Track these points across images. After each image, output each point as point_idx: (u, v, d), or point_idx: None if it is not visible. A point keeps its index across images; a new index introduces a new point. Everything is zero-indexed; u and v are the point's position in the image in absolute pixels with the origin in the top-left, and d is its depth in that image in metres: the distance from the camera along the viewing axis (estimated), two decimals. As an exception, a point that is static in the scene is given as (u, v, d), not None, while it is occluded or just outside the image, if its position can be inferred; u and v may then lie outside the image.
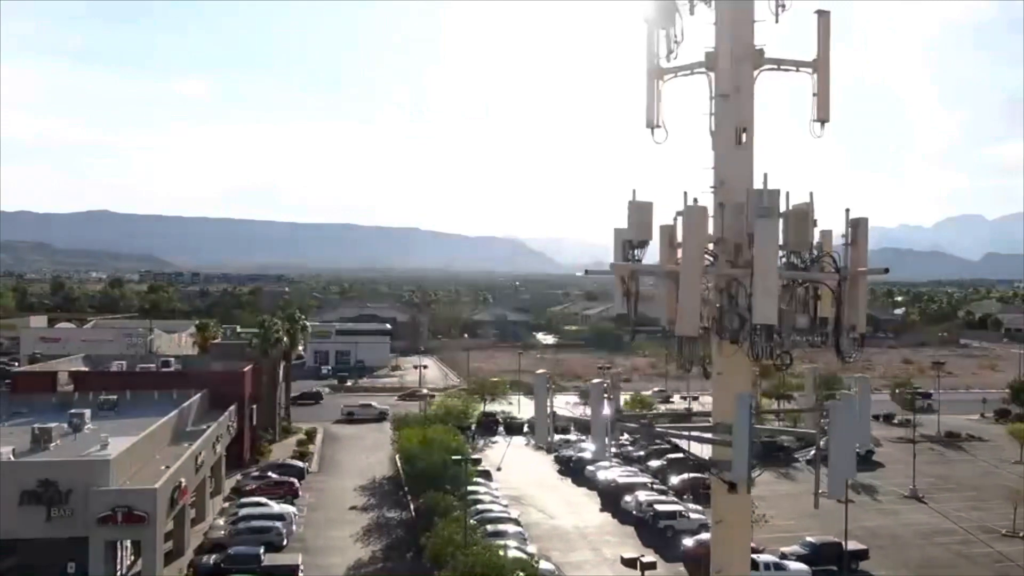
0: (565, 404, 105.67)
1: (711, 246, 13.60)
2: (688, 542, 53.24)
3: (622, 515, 61.62)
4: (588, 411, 15.03)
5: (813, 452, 11.97)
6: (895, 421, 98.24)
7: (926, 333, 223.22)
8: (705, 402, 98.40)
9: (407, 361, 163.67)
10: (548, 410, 14.96)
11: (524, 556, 43.37)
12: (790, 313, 13.30)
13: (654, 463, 75.69)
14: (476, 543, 42.05)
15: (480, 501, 57.68)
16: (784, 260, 13.33)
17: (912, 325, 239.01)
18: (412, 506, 59.90)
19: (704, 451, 14.76)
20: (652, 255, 14.38)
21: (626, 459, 78.09)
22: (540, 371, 16.67)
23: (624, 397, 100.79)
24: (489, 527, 51.32)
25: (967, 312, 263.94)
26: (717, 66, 13.82)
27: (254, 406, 76.85)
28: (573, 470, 75.06)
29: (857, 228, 13.60)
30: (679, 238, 14.62)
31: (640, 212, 14.56)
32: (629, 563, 48.49)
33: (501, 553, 40.70)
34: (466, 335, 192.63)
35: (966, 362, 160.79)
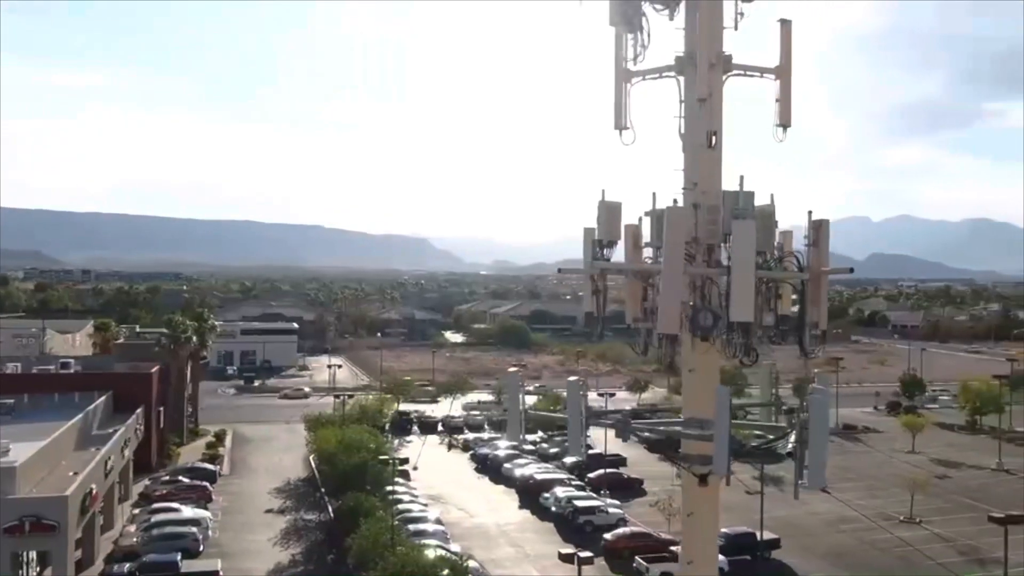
0: (479, 402, 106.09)
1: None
2: (609, 536, 54.16)
3: (541, 512, 62.14)
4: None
5: (791, 445, 12.36)
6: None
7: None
8: (622, 398, 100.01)
9: (315, 361, 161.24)
10: (520, 407, 15.07)
11: (450, 555, 43.27)
12: (757, 311, 13.77)
13: (569, 459, 76.49)
14: (403, 544, 41.77)
15: (400, 501, 57.32)
16: (750, 260, 13.72)
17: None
18: (330, 508, 59.08)
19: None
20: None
21: (542, 456, 78.70)
22: (512, 368, 16.78)
23: (537, 396, 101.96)
24: (411, 527, 51.04)
25: (857, 310, 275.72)
26: (687, 71, 14.14)
27: (161, 408, 74.42)
28: (490, 468, 75.27)
29: (819, 230, 14.17)
30: (645, 238, 14.98)
31: (609, 212, 14.82)
32: (566, 558, 48.98)
33: (429, 553, 40.54)
34: (378, 334, 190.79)
35: (858, 357, 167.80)
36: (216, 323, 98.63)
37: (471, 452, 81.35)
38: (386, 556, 39.02)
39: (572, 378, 14.73)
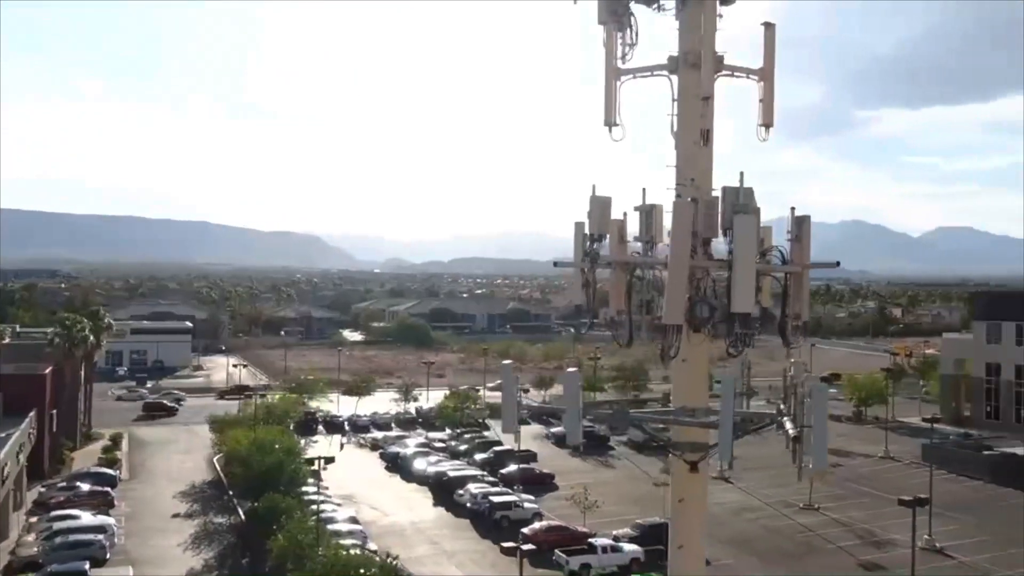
0: (389, 401, 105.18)
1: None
2: (526, 531, 54.56)
3: (456, 508, 62.19)
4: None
5: (792, 431, 12.89)
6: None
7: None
8: (553, 394, 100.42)
9: (209, 361, 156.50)
10: (515, 399, 15.16)
11: (375, 554, 42.85)
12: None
13: (480, 456, 76.87)
14: (328, 544, 41.12)
15: (314, 502, 56.29)
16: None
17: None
18: (241, 510, 57.62)
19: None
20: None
21: (452, 454, 78.71)
22: (506, 361, 16.83)
23: (443, 392, 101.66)
24: (329, 527, 50.24)
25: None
26: (681, 70, 14.50)
27: (54, 411, 70.87)
28: (400, 467, 74.75)
29: (801, 225, 14.77)
30: (631, 233, 15.30)
31: (600, 206, 15.08)
32: (509, 552, 49.59)
33: (355, 552, 40.05)
34: (283, 332, 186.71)
35: (752, 352, 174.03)
36: (112, 322, 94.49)
37: (380, 451, 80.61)
38: (313, 557, 38.32)
39: (570, 369, 14.90)
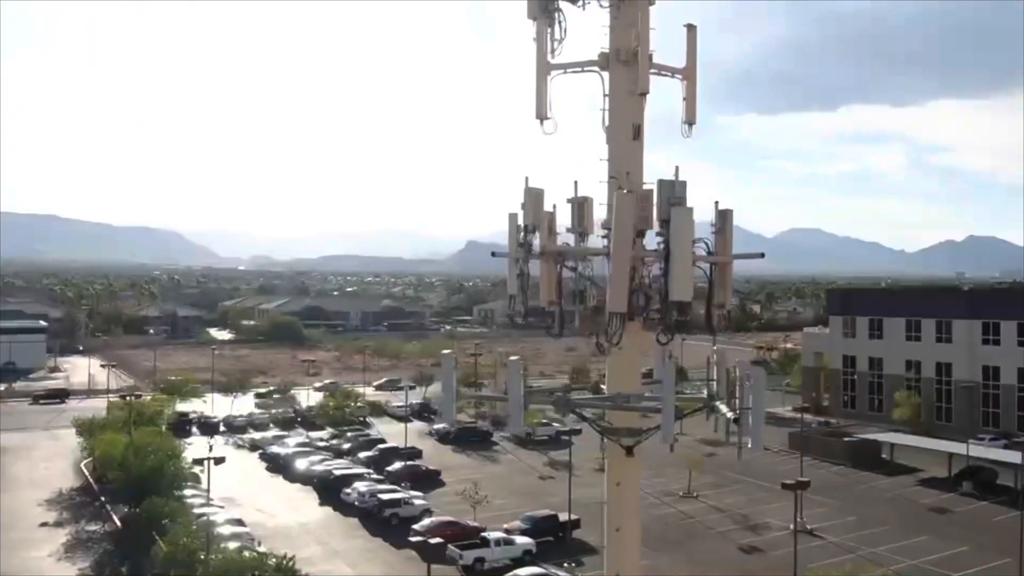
0: (255, 403, 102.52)
1: (604, 231, 14.85)
2: (417, 527, 54.46)
3: (344, 507, 61.42)
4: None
5: (730, 413, 13.56)
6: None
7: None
8: (434, 390, 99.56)
9: (67, 362, 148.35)
10: (454, 389, 15.29)
11: (266, 556, 41.86)
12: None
13: (365, 454, 76.12)
14: (218, 548, 39.91)
15: (197, 505, 54.42)
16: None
17: (571, 317, 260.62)
18: (116, 516, 55.10)
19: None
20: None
21: (336, 452, 77.56)
22: (446, 351, 16.94)
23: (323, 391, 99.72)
24: (215, 530, 48.70)
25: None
26: (612, 66, 14.99)
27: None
28: (283, 467, 73.13)
29: (724, 218, 15.54)
30: (562, 224, 15.70)
31: (534, 198, 15.43)
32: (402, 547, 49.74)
33: (247, 555, 39.05)
34: (150, 331, 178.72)
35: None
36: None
37: (259, 451, 78.60)
38: (202, 560, 37.11)
39: (513, 358, 15.15)
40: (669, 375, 13.41)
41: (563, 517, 56.46)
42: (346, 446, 79.38)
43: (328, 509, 61.99)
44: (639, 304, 14.22)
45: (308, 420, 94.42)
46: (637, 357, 15.02)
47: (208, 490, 44.71)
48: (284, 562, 38.63)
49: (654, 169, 15.01)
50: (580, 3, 15.44)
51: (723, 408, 13.82)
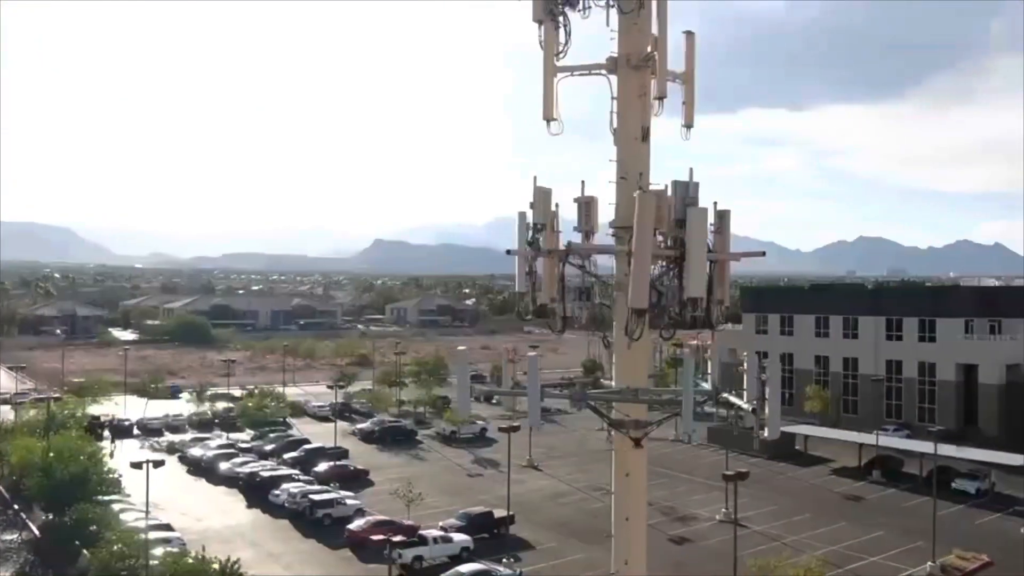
0: (185, 402, 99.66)
1: (612, 230, 15.34)
2: (352, 527, 54.11)
3: (273, 509, 60.46)
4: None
5: (748, 405, 14.17)
6: (494, 401, 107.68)
7: (494, 322, 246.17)
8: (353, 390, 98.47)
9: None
10: (468, 385, 15.50)
11: (209, 560, 40.90)
12: (674, 289, 15.49)
13: (290, 455, 74.95)
14: (151, 555, 38.81)
15: (124, 510, 52.74)
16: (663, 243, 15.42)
17: (483, 315, 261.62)
18: (33, 525, 52.87)
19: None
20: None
21: (259, 454, 76.09)
22: (460, 348, 17.10)
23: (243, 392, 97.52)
24: (142, 536, 47.26)
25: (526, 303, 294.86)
26: (620, 70, 15.47)
27: None
28: (205, 469, 71.37)
29: (722, 218, 16.20)
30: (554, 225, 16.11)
31: (543, 197, 15.81)
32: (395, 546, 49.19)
33: (188, 560, 38.13)
34: (51, 331, 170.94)
35: (530, 347, 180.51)
36: None
37: (179, 454, 76.43)
38: (146, 567, 36.05)
39: (531, 353, 15.44)
40: (689, 368, 13.97)
41: (498, 514, 56.96)
42: (269, 447, 77.93)
43: (257, 511, 60.88)
44: (652, 300, 14.72)
45: (226, 422, 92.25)
46: (645, 352, 15.52)
47: (147, 494, 43.24)
48: (229, 566, 37.82)
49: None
50: (581, 10, 15.84)
51: (733, 399, 14.47)
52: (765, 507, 62.14)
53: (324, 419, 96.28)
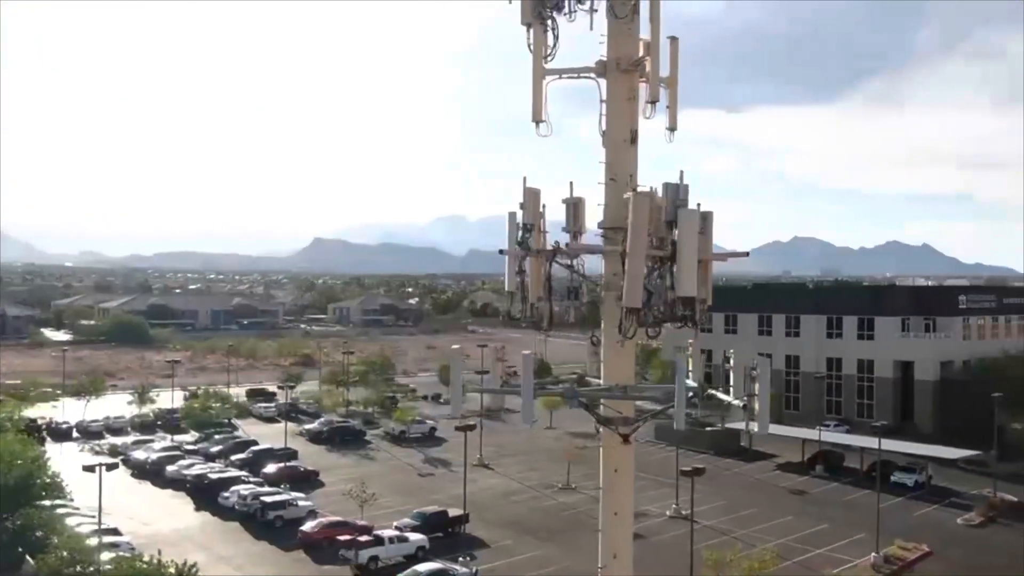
0: (125, 404, 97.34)
1: (601, 231, 15.64)
2: (305, 528, 53.65)
3: (222, 512, 59.62)
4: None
5: (738, 401, 14.54)
6: (442, 400, 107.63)
7: (438, 321, 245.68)
8: (302, 391, 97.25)
9: None
10: (461, 385, 15.60)
11: (166, 564, 40.11)
12: (661, 288, 15.85)
13: (237, 456, 73.88)
14: (101, 560, 37.98)
15: (68, 515, 51.42)
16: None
17: (426, 314, 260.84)
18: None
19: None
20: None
21: (206, 456, 74.83)
22: (455, 346, 17.17)
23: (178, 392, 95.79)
24: (93, 540, 46.17)
25: (470, 302, 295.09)
26: (609, 74, 15.76)
27: None
28: (150, 472, 69.96)
29: (705, 220, 16.59)
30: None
31: (533, 197, 16.03)
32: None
33: (142, 565, 37.39)
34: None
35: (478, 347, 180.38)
36: None
37: (122, 457, 74.73)
38: (98, 573, 35.25)
39: (525, 352, 15.61)
40: (682, 366, 14.31)
41: (452, 513, 57.01)
42: (216, 449, 76.69)
43: (205, 514, 59.93)
44: (643, 299, 15.04)
45: (169, 423, 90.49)
46: (631, 350, 15.85)
47: (100, 498, 42.28)
48: (187, 569, 37.19)
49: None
50: (568, 13, 16.09)
51: (721, 395, 14.87)
52: (714, 502, 63.25)
53: (270, 420, 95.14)
